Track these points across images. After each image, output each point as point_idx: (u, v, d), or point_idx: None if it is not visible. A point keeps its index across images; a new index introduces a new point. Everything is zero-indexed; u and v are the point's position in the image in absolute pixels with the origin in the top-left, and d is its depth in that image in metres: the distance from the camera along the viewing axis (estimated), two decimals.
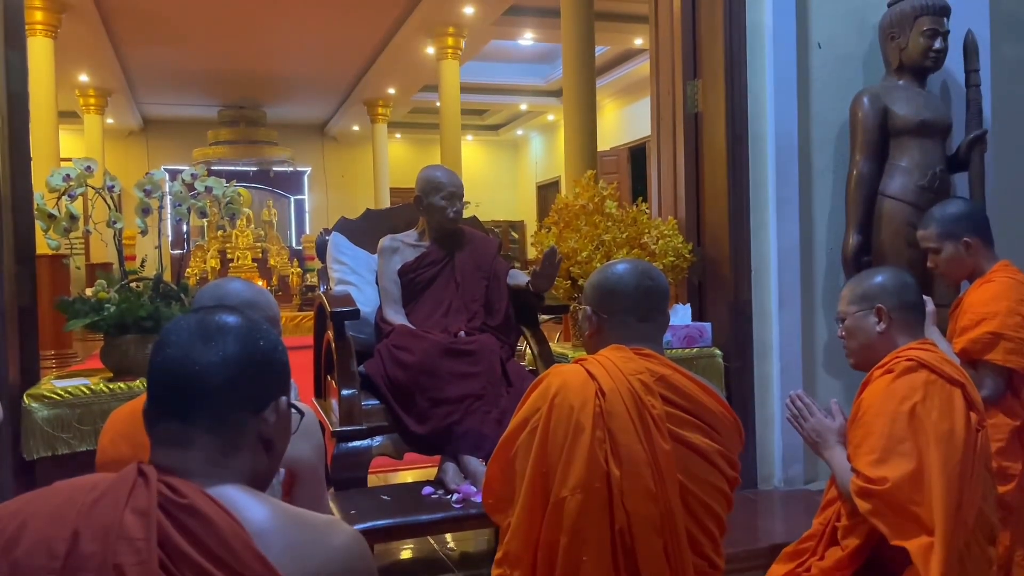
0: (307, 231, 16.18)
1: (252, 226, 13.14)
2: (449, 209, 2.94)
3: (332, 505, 2.32)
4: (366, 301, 2.94)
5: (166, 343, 1.02)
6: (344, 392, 2.62)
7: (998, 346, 2.21)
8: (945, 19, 3.17)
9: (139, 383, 2.70)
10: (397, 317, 2.90)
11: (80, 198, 2.90)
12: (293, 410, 1.10)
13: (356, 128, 16.24)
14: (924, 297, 2.00)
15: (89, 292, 2.86)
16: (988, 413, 2.16)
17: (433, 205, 2.95)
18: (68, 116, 12.22)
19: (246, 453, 1.02)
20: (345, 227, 3.23)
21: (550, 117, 15.62)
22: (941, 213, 2.44)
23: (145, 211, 2.93)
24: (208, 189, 3.04)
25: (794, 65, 3.29)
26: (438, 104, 11.56)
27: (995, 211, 2.95)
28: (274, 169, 16.03)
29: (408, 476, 3.48)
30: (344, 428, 2.58)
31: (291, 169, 16.38)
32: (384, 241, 3.05)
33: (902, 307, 1.85)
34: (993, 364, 2.22)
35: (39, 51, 8.12)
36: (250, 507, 0.96)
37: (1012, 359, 2.21)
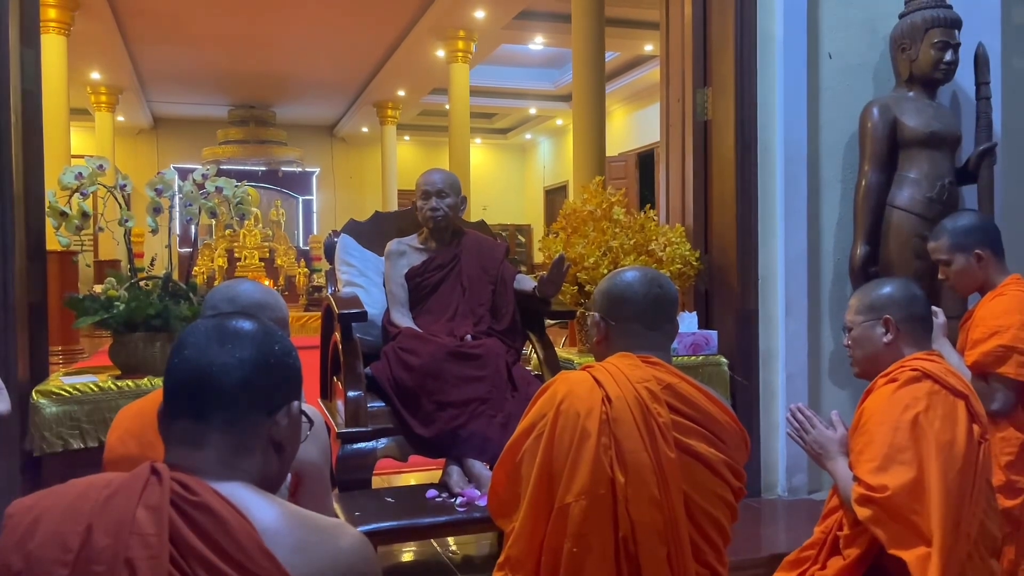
0: (314, 231, 16.24)
1: (260, 226, 13.17)
2: (424, 207, 2.96)
3: (336, 506, 2.33)
4: (373, 303, 2.95)
5: (184, 344, 1.04)
6: (350, 394, 2.62)
7: (1010, 359, 2.21)
8: (956, 31, 3.17)
9: (147, 381, 2.70)
10: (404, 320, 2.91)
11: (91, 195, 2.92)
12: (303, 417, 1.11)
13: (365, 129, 16.28)
14: (935, 309, 1.99)
15: (99, 289, 2.87)
16: (999, 426, 2.17)
17: (417, 206, 3.01)
18: (79, 113, 12.27)
19: (257, 455, 1.03)
20: (354, 229, 3.24)
21: (559, 122, 15.64)
22: (953, 225, 2.44)
23: (156, 210, 2.95)
24: (219, 189, 3.06)
25: (804, 75, 3.29)
26: (447, 107, 11.59)
27: (1004, 224, 2.94)
28: (283, 169, 16.10)
29: (412, 479, 3.49)
30: (349, 430, 2.59)
31: (300, 169, 16.45)
32: (391, 245, 3.06)
33: (910, 318, 1.85)
34: (1004, 377, 2.22)
35: (52, 48, 8.16)
36: (260, 507, 0.97)
37: None
